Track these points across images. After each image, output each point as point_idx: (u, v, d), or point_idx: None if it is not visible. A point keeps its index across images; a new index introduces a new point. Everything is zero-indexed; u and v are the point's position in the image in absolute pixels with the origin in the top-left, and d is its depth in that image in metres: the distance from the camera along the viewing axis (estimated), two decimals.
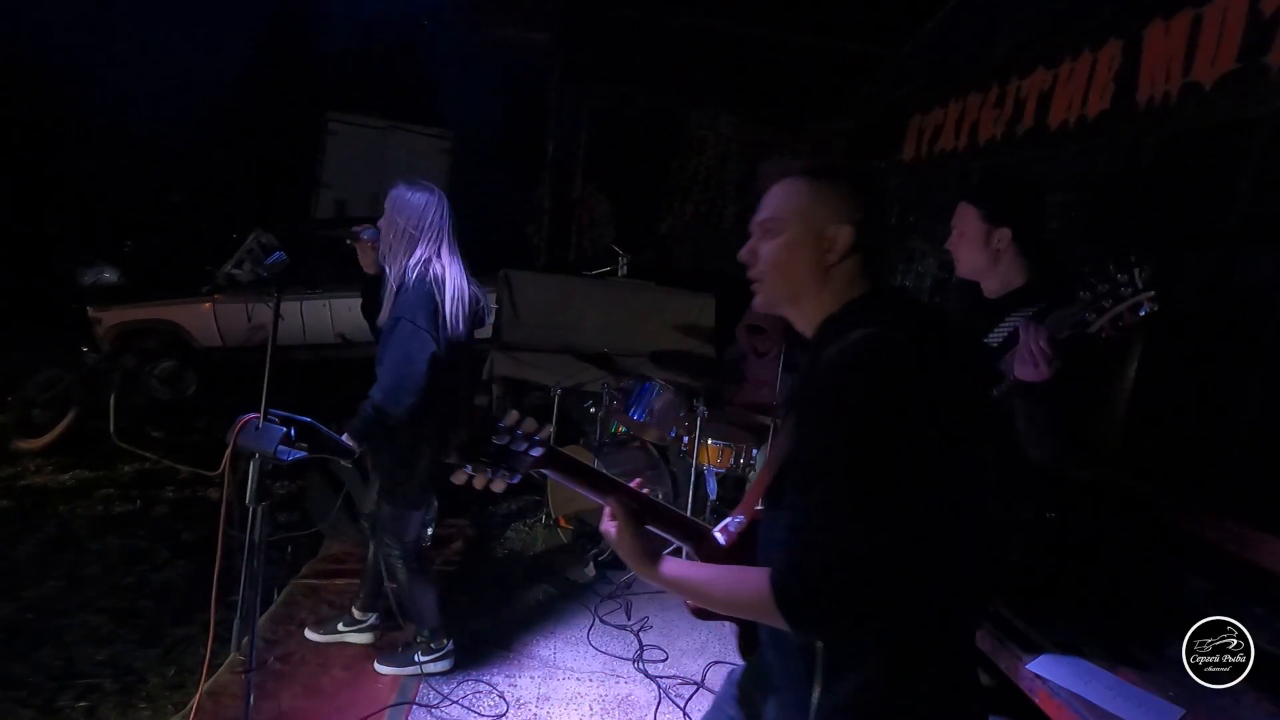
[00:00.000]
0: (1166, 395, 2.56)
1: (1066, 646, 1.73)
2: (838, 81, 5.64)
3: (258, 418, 1.70)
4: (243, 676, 1.92)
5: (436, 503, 3.45)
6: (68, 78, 9.52)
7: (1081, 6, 3.13)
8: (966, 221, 1.80)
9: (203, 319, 5.88)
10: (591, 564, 3.31)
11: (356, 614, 2.66)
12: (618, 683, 2.54)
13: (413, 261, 2.21)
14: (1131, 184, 2.89)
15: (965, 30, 4.28)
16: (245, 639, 1.93)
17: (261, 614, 2.61)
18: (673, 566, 1.07)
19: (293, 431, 1.71)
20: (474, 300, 2.36)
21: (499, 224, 7.98)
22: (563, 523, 3.72)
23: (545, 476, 1.15)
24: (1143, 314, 1.34)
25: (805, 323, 1.09)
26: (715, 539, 1.21)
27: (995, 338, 1.74)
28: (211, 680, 2.21)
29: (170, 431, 5.06)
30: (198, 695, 1.98)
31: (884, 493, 0.87)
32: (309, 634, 2.64)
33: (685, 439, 3.45)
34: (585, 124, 6.50)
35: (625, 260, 5.16)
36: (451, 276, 2.25)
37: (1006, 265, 1.77)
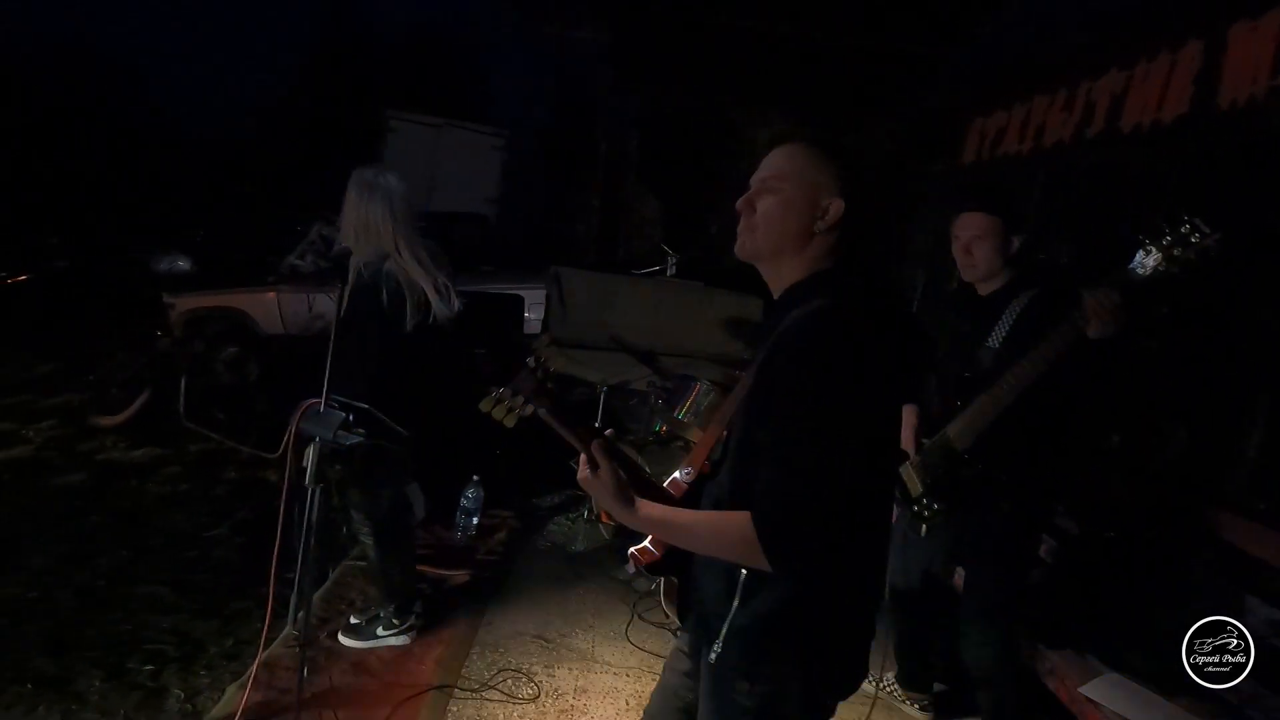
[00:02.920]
0: (1229, 409, 2.44)
1: (1121, 670, 1.67)
2: (891, 82, 5.54)
3: (319, 403, 1.77)
4: (296, 650, 2.00)
5: (483, 492, 3.55)
6: (147, 78, 10.05)
7: (1160, 6, 3.00)
8: (989, 230, 2.02)
9: (267, 307, 6.12)
10: (632, 561, 3.33)
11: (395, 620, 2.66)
12: (655, 679, 2.54)
13: (370, 254, 2.25)
14: (1206, 190, 2.76)
15: (1030, 30, 4.14)
16: (300, 615, 2.02)
17: (315, 592, 2.72)
18: (655, 510, 1.15)
19: (351, 417, 1.78)
20: (439, 291, 2.35)
21: (549, 222, 8.10)
22: (605, 519, 3.74)
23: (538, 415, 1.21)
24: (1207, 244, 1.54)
25: (776, 282, 1.17)
26: (667, 491, 1.31)
27: (995, 338, 2.00)
28: (267, 652, 2.31)
29: (233, 414, 5.28)
30: (254, 666, 2.07)
31: (840, 444, 1.00)
32: (342, 639, 2.58)
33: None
34: (636, 124, 6.54)
35: (674, 260, 5.16)
36: (409, 269, 2.28)
37: (1010, 267, 2.06)
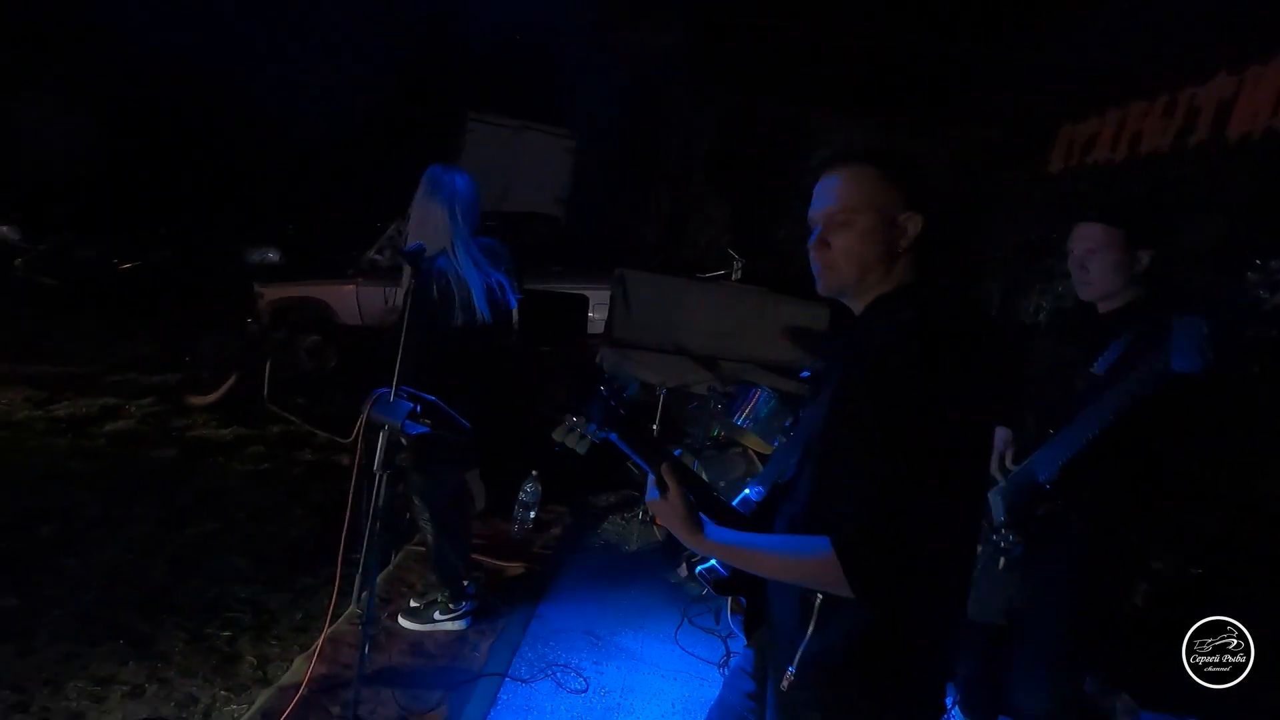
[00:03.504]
0: None
1: (1193, 711, 1.56)
2: (974, 86, 5.33)
3: (389, 392, 1.85)
4: (359, 628, 2.09)
5: (541, 488, 3.62)
6: (240, 79, 10.70)
7: (1276, 4, 2.79)
8: (1108, 242, 1.81)
9: (346, 299, 6.42)
10: (685, 565, 3.31)
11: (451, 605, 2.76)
12: (702, 685, 2.54)
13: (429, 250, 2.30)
14: None
15: (1128, 31, 3.92)
16: (363, 595, 2.11)
17: (378, 574, 2.83)
18: (724, 534, 1.11)
19: (418, 408, 1.85)
20: (491, 290, 2.40)
21: (616, 224, 8.17)
22: (659, 521, 3.75)
23: (612, 440, 1.20)
24: None
25: (860, 303, 1.14)
26: (737, 512, 1.27)
27: (1102, 364, 1.79)
28: (332, 628, 2.42)
29: (312, 399, 5.56)
30: (320, 640, 2.18)
31: (929, 464, 0.94)
32: (401, 620, 2.69)
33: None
34: (707, 128, 6.54)
35: (739, 265, 5.14)
36: (460, 267, 2.33)
37: (1135, 285, 1.82)
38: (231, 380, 5.27)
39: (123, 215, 9.51)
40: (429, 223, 2.34)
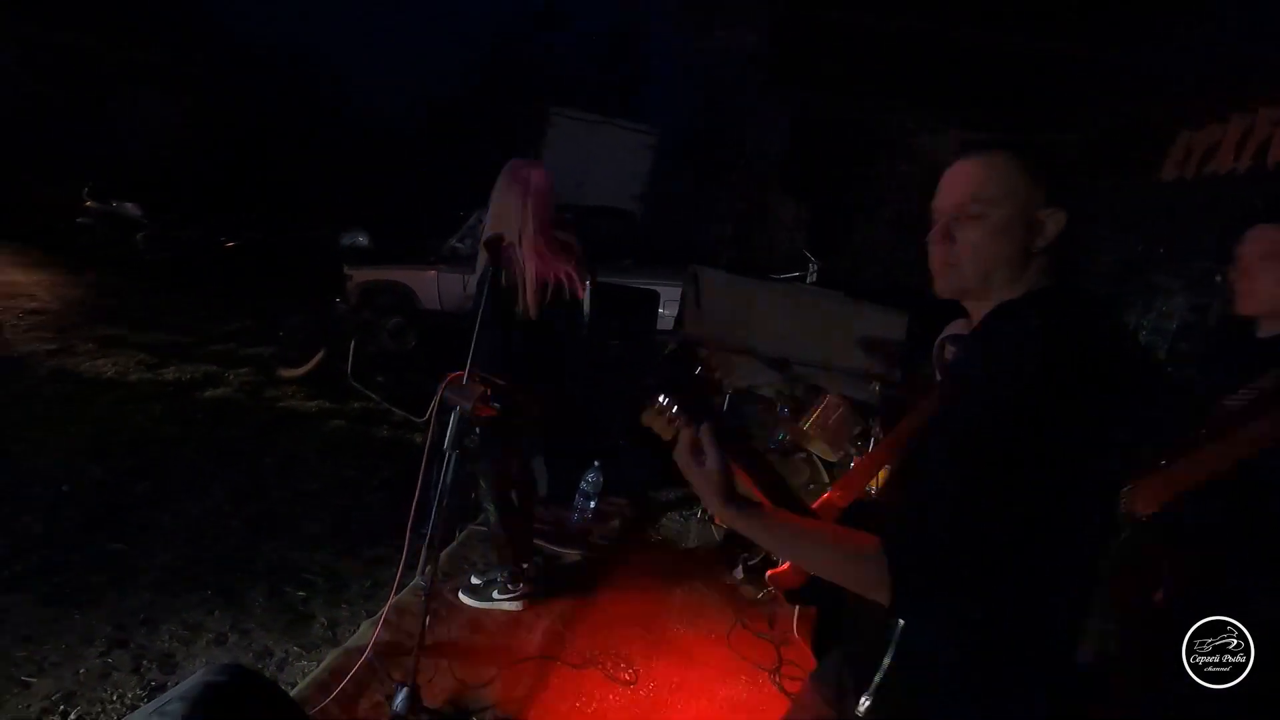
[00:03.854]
0: None
1: None
2: (1070, 88, 5.00)
3: (462, 375, 1.91)
4: (422, 600, 2.18)
5: (602, 479, 3.66)
6: (340, 72, 11.25)
7: None
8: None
9: (427, 284, 6.67)
10: (741, 568, 3.30)
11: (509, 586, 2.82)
12: (752, 688, 2.52)
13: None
14: None
15: (1258, 29, 3.60)
16: (428, 569, 2.19)
17: (443, 550, 2.94)
18: (762, 511, 1.00)
19: (489, 392, 1.90)
20: (559, 282, 2.43)
21: (691, 220, 8.16)
22: (718, 520, 3.73)
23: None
24: None
25: (981, 307, 1.03)
26: (813, 513, 1.15)
27: (1249, 393, 1.51)
28: (397, 598, 2.53)
29: (391, 379, 5.81)
30: (386, 608, 2.28)
31: (1024, 480, 0.85)
32: (462, 596, 2.77)
33: (855, 458, 3.30)
34: (786, 127, 6.42)
35: (815, 267, 5.03)
36: (527, 257, 2.35)
37: None
38: (320, 356, 5.57)
39: (229, 197, 10.18)
40: (505, 213, 2.40)
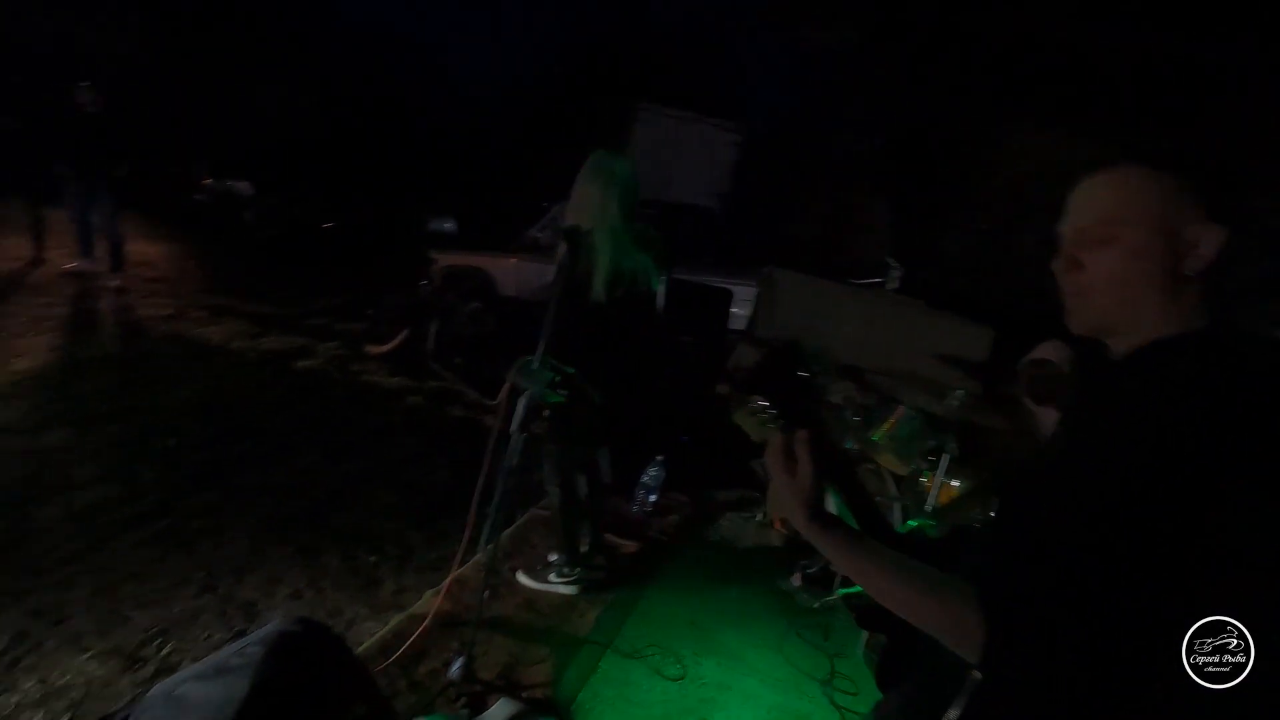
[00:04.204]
0: None
1: None
2: (1204, 90, 4.62)
3: (534, 361, 1.97)
4: (483, 575, 2.26)
5: (664, 473, 3.68)
6: (434, 63, 11.68)
7: None
8: None
9: (507, 271, 6.86)
10: (800, 575, 3.25)
11: (566, 570, 2.88)
12: (799, 698, 2.49)
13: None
14: None
15: None
16: (490, 546, 2.27)
17: (505, 529, 3.04)
18: (848, 533, 0.92)
19: (558, 378, 1.96)
20: (633, 274, 2.43)
21: (773, 221, 8.06)
22: (779, 525, 3.69)
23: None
24: None
25: (1125, 344, 0.90)
26: (896, 534, 1.09)
27: None
28: (460, 571, 2.63)
29: (468, 361, 6.02)
30: (448, 580, 2.39)
31: (1168, 560, 0.73)
32: (520, 576, 2.85)
33: (925, 474, 3.19)
34: (878, 128, 6.22)
35: (897, 273, 4.88)
36: (603, 249, 2.36)
37: None
38: (403, 335, 5.83)
39: (332, 180, 10.76)
40: (585, 203, 2.45)
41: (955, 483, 3.14)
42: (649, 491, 3.65)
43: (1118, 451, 0.77)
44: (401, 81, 12.49)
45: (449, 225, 9.49)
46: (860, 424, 3.46)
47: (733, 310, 4.95)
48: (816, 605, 3.10)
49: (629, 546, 3.30)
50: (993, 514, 1.03)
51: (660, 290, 2.63)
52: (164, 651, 2.27)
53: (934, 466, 3.12)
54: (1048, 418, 3.63)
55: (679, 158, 9.82)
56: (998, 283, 6.28)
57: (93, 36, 10.46)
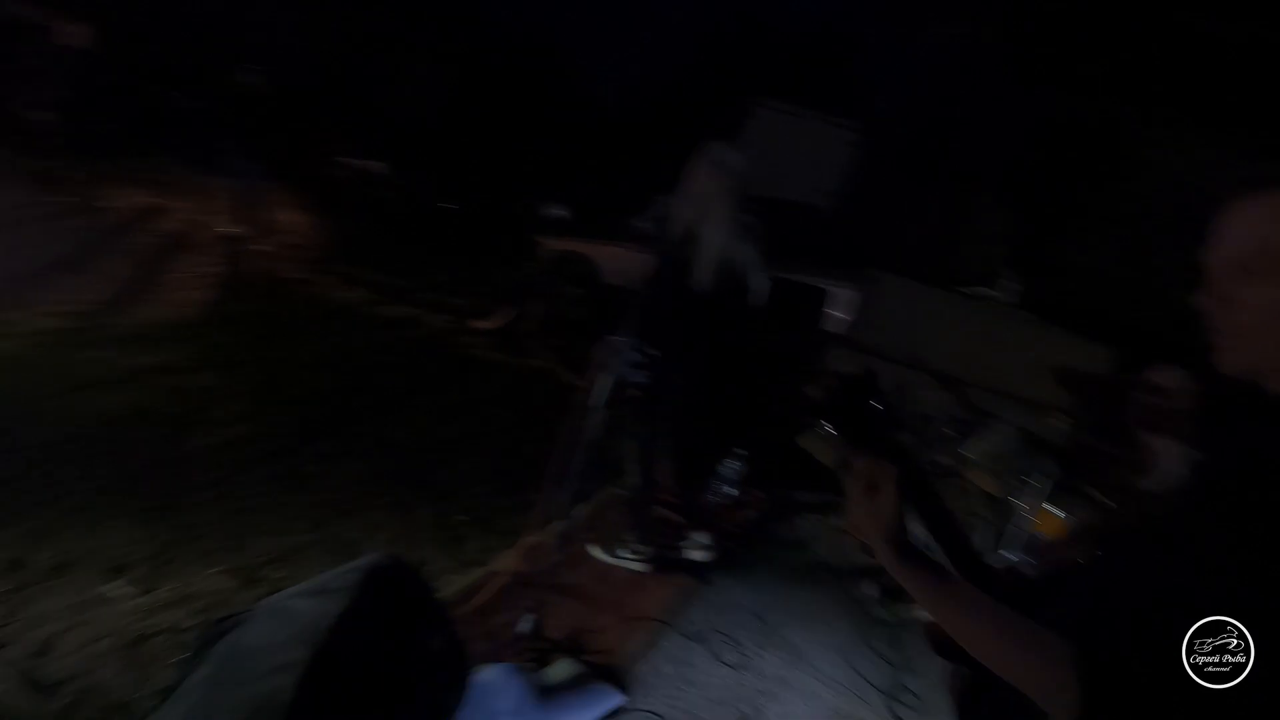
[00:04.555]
0: None
1: None
2: None
3: (619, 343, 2.06)
4: (558, 543, 2.39)
5: (744, 468, 3.69)
6: (562, 55, 12.02)
7: None
8: None
9: (611, 259, 7.03)
10: (878, 585, 3.19)
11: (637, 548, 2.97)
12: (860, 706, 2.46)
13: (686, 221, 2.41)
14: None
15: None
16: (567, 517, 2.40)
17: (584, 504, 3.17)
18: (931, 570, 0.88)
19: (642, 360, 2.03)
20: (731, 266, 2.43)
21: (888, 222, 7.77)
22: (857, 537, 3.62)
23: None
24: None
25: None
26: (989, 568, 1.01)
27: None
28: (539, 536, 2.78)
29: (566, 342, 6.25)
30: (526, 543, 2.53)
31: None
32: (592, 550, 2.95)
33: (1022, 497, 3.03)
34: (1010, 128, 5.86)
35: (1014, 287, 4.62)
36: (706, 240, 2.36)
37: None
38: (510, 312, 6.14)
39: (454, 163, 11.37)
40: (692, 195, 2.50)
41: (1057, 511, 2.97)
42: (727, 484, 3.67)
43: (1247, 499, 0.69)
44: (528, 72, 13.00)
45: (561, 212, 9.79)
46: (953, 437, 3.33)
47: (829, 311, 4.86)
48: (890, 617, 3.03)
49: (702, 536, 3.34)
50: (1099, 556, 0.95)
51: (758, 285, 2.65)
52: (278, 575, 2.55)
53: (1028, 488, 2.96)
54: (1162, 449, 3.35)
55: (793, 155, 9.64)
56: (1130, 302, 5.77)
57: (257, 18, 11.49)
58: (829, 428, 1.00)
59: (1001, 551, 2.87)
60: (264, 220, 7.08)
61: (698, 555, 2.99)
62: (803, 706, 2.39)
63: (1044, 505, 2.95)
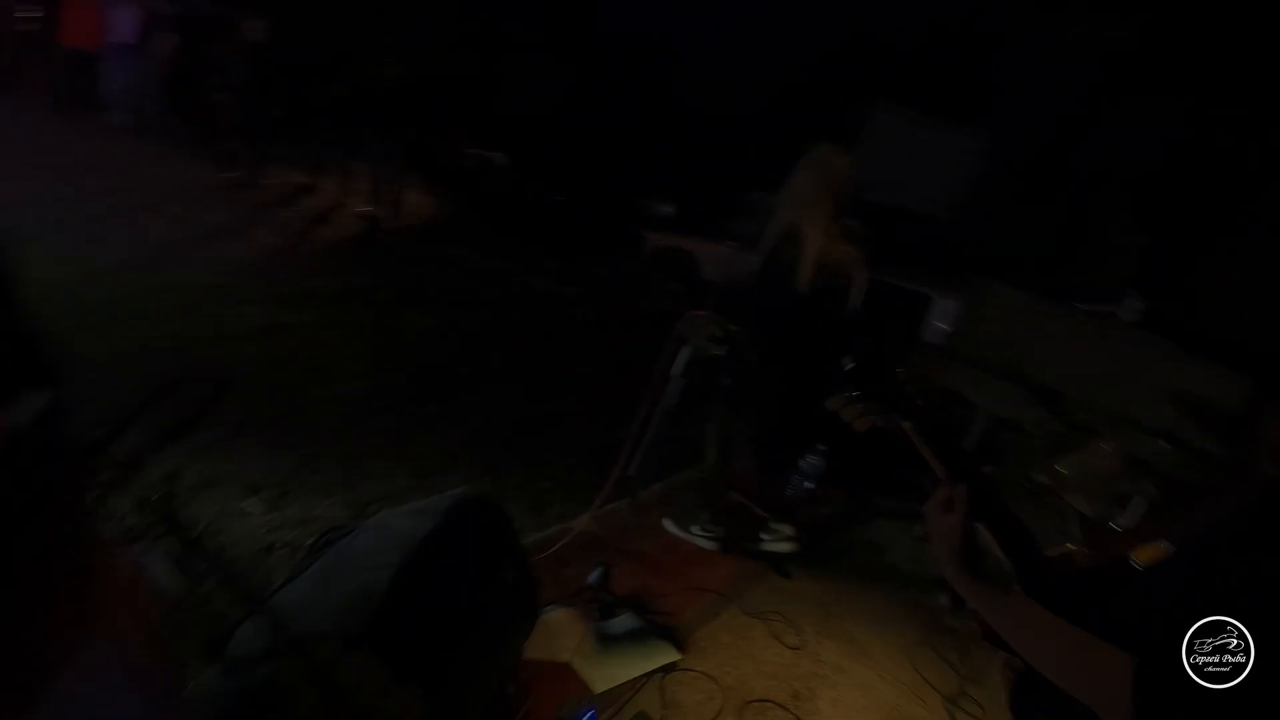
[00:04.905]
0: None
1: None
2: None
3: (702, 315, 2.17)
4: (632, 510, 2.53)
5: (825, 465, 3.69)
6: (674, 56, 12.16)
7: None
8: None
9: (712, 256, 7.13)
10: (952, 595, 3.11)
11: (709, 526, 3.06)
12: (918, 705, 2.44)
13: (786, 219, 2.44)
14: None
15: None
16: (642, 483, 2.53)
17: (660, 480, 3.29)
18: (996, 592, 0.93)
19: (722, 334, 2.14)
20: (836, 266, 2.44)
21: (1008, 233, 7.40)
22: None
23: (902, 429, 1.09)
24: None
25: None
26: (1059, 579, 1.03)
27: None
28: (614, 504, 2.93)
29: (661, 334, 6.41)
30: (603, 505, 2.69)
31: None
32: (666, 521, 3.07)
33: (1116, 520, 2.88)
34: (1144, 139, 5.45)
35: (1138, 305, 4.32)
36: (805, 239, 2.39)
37: None
38: (609, 301, 6.39)
39: (570, 158, 11.81)
40: (799, 194, 2.57)
41: (1160, 545, 2.79)
42: (805, 479, 3.68)
43: None
44: (645, 74, 13.29)
45: (667, 209, 9.98)
46: (1047, 451, 3.20)
47: (932, 320, 4.74)
48: (963, 628, 2.95)
49: (776, 526, 3.38)
50: (1169, 572, 0.96)
51: (859, 287, 2.66)
52: (378, 513, 2.85)
53: (1125, 512, 2.81)
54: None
55: (913, 162, 9.35)
56: (1265, 327, 5.23)
57: (399, 20, 12.38)
58: (855, 394, 1.10)
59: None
60: (396, 201, 7.70)
61: (774, 547, 3.03)
62: (859, 696, 2.40)
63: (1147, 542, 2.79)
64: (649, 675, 2.14)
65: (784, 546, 2.99)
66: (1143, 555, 2.79)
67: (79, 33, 8.06)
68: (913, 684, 2.54)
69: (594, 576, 2.34)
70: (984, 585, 0.95)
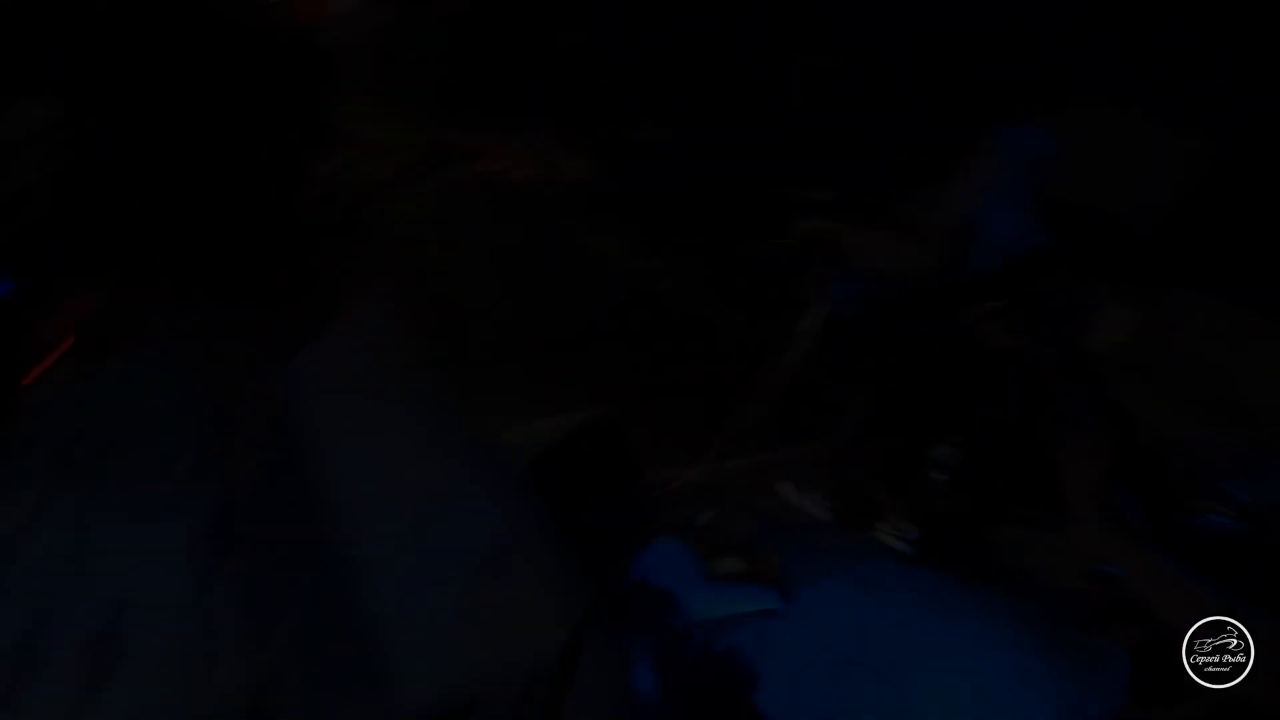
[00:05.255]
0: None
1: None
2: None
3: (841, 280, 2.18)
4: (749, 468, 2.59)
5: (958, 455, 3.52)
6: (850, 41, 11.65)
7: None
8: None
9: (865, 244, 6.89)
10: (1080, 608, 2.91)
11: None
12: (1021, 702, 2.35)
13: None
14: None
15: None
16: (765, 444, 2.60)
17: (787, 436, 3.31)
18: (1132, 536, 0.92)
19: (858, 297, 2.14)
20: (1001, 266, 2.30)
21: (1211, 240, 6.49)
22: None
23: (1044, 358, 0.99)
24: None
25: None
26: None
27: None
28: (729, 461, 3.02)
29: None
30: (718, 459, 2.79)
31: None
32: (781, 486, 3.07)
33: None
34: None
35: None
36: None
37: None
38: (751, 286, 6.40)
39: (729, 134, 11.81)
40: (976, 181, 2.49)
41: None
42: (936, 469, 3.55)
43: None
44: (817, 58, 12.94)
45: (828, 194, 9.69)
46: (1230, 474, 2.86)
47: (1103, 326, 4.33)
48: (1087, 643, 2.75)
49: (905, 523, 3.30)
50: None
51: (1027, 287, 2.55)
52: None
53: None
54: None
55: (1109, 158, 8.43)
56: None
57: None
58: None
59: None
60: (557, 172, 8.13)
61: (889, 542, 2.99)
62: (958, 682, 2.35)
63: None
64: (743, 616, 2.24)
65: (899, 545, 2.92)
66: None
67: None
68: (1017, 685, 2.43)
69: (704, 518, 2.46)
70: (1120, 539, 0.91)
